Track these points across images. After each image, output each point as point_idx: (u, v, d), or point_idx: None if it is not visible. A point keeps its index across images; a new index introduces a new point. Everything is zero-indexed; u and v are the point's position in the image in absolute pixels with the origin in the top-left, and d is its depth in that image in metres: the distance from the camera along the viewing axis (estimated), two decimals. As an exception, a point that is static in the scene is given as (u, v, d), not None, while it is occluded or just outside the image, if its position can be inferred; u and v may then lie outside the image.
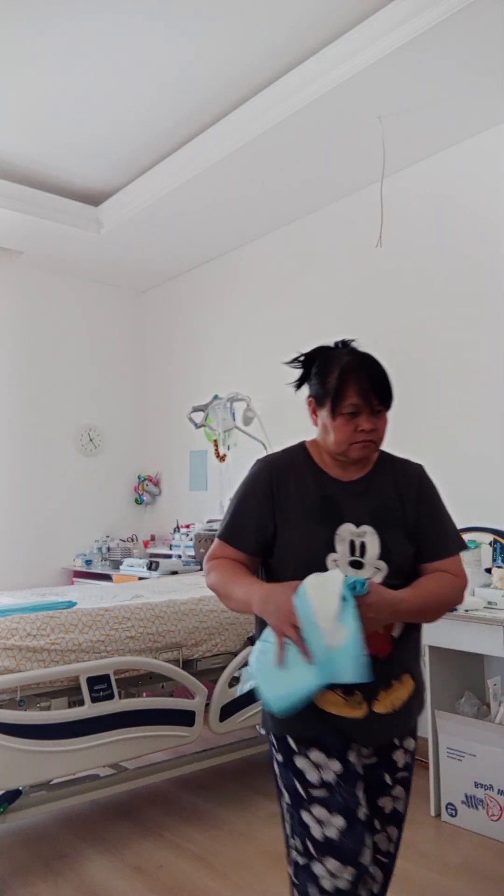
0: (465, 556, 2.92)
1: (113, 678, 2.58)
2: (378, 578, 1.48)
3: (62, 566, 5.22)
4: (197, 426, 4.52)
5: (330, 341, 1.61)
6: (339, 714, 1.45)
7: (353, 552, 1.48)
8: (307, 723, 1.45)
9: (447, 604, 1.53)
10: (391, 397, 1.53)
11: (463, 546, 1.61)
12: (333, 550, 1.48)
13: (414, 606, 1.44)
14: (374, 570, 1.48)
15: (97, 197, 4.55)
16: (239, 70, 3.25)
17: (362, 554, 1.49)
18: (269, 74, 3.28)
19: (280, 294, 4.56)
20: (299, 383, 1.61)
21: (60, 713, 2.45)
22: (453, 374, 3.50)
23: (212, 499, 5.00)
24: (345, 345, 1.59)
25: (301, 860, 1.44)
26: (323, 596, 1.33)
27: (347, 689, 1.44)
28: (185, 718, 2.75)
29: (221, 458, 4.52)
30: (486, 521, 3.17)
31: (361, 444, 1.51)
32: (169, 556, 4.89)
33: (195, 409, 4.53)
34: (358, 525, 1.50)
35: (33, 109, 3.57)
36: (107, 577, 4.78)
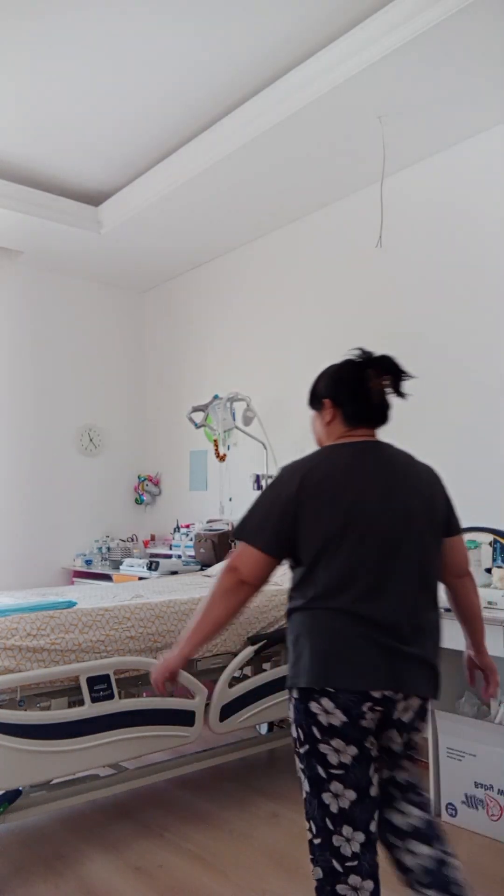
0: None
1: (113, 678, 2.58)
2: None
3: (62, 566, 5.22)
4: (197, 426, 4.52)
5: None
6: None
7: None
8: None
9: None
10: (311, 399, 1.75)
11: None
12: None
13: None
14: None
15: (97, 197, 4.55)
16: (239, 70, 3.26)
17: None
18: (269, 74, 3.28)
19: (280, 294, 4.56)
20: None
21: (60, 713, 2.45)
22: (453, 374, 3.50)
23: (212, 499, 5.00)
24: None
25: None
26: None
27: None
28: (185, 718, 2.75)
29: (221, 458, 4.52)
30: (486, 521, 3.17)
31: None
32: (169, 556, 4.89)
33: (195, 409, 4.53)
34: None
35: (33, 110, 3.57)
36: (107, 577, 4.78)
